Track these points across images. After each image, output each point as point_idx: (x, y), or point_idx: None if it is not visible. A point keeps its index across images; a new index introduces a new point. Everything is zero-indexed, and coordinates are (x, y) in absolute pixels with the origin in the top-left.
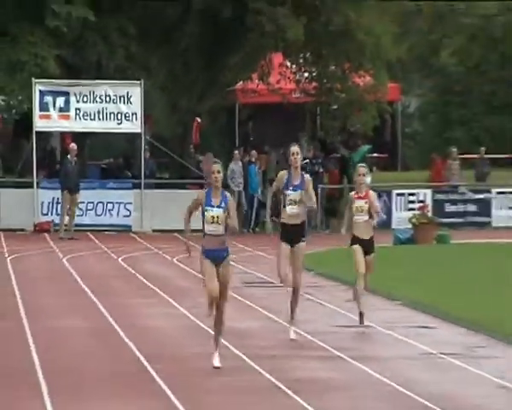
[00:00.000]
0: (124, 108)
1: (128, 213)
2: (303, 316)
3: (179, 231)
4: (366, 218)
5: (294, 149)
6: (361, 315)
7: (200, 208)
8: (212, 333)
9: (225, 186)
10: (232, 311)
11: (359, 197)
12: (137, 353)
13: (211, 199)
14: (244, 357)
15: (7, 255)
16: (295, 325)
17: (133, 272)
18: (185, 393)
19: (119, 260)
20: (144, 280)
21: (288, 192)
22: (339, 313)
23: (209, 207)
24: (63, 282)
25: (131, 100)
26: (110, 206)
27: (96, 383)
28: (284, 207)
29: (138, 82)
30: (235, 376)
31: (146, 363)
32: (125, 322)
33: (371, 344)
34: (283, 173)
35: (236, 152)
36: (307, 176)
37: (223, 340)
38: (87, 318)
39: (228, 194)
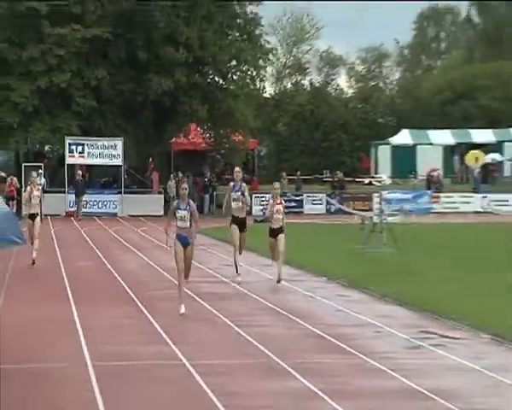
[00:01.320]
0: (113, 152)
1: (115, 206)
2: (207, 260)
3: (143, 217)
4: (280, 216)
5: (237, 168)
6: (277, 281)
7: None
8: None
9: (165, 191)
10: (166, 253)
11: (277, 203)
12: (120, 280)
13: (180, 205)
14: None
15: (51, 228)
16: (240, 274)
17: (118, 237)
18: (147, 302)
19: (110, 231)
20: (123, 242)
21: (232, 194)
22: (225, 259)
23: (179, 210)
24: (80, 242)
25: (117, 147)
26: (106, 203)
27: (98, 295)
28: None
29: (120, 138)
30: (170, 289)
31: (125, 285)
32: (113, 264)
33: (243, 274)
34: (231, 185)
35: (172, 175)
36: (244, 184)
37: (168, 276)
38: (93, 260)
39: (191, 201)
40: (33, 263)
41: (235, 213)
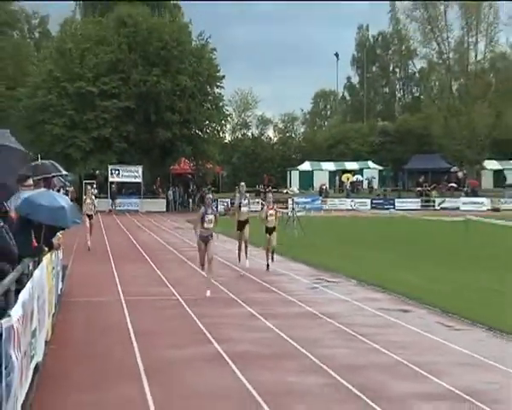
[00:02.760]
0: (136, 174)
1: (137, 206)
2: (188, 236)
3: (154, 212)
4: (273, 218)
5: (242, 183)
6: (271, 260)
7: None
8: (205, 275)
9: (166, 197)
10: (167, 233)
11: (270, 208)
12: (140, 248)
13: (207, 210)
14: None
15: (100, 219)
16: (247, 262)
17: (138, 224)
18: (155, 261)
19: (134, 220)
20: (142, 226)
21: (242, 202)
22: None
23: (207, 215)
24: (116, 227)
25: (138, 172)
26: (132, 204)
27: (126, 257)
28: (240, 209)
29: (140, 166)
30: (170, 255)
31: (142, 252)
32: (135, 239)
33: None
34: (238, 195)
35: (171, 188)
36: (248, 195)
37: (169, 247)
38: (123, 237)
39: (214, 208)
40: (89, 249)
41: (242, 218)
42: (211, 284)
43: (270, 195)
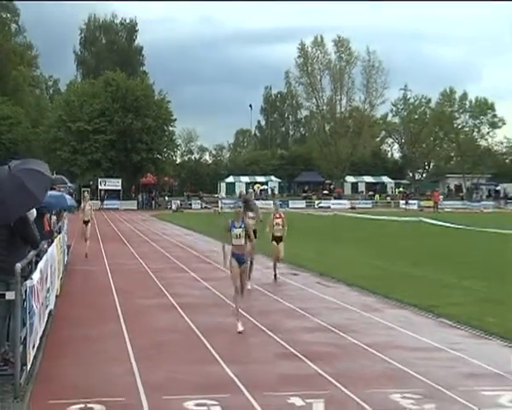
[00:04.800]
0: (117, 183)
1: (118, 205)
2: (157, 227)
3: (129, 209)
4: (281, 227)
5: (250, 190)
6: (275, 271)
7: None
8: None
9: (137, 200)
10: (137, 224)
11: (277, 217)
12: (119, 233)
13: (234, 224)
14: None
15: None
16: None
17: (118, 217)
18: (130, 242)
19: (116, 215)
20: (121, 219)
21: (249, 213)
22: (162, 227)
23: (234, 228)
24: (103, 220)
25: (119, 182)
26: (114, 204)
27: (109, 238)
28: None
29: (120, 178)
30: (139, 238)
31: (121, 236)
32: (116, 227)
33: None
34: (239, 204)
35: (141, 193)
36: (256, 204)
37: (141, 234)
38: (108, 226)
39: (245, 219)
40: (86, 256)
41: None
42: (240, 315)
43: (277, 202)
